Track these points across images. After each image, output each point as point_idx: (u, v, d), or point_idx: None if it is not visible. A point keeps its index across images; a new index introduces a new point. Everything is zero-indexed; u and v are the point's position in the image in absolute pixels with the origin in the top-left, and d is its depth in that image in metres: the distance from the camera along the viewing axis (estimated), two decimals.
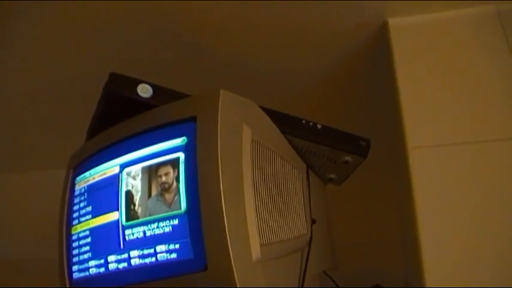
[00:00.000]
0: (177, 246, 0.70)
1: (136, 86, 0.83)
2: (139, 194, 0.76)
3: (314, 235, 0.85)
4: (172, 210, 0.71)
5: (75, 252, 0.84)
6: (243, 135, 0.75)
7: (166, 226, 0.71)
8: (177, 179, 0.72)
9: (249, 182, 0.73)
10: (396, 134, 0.95)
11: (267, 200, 0.76)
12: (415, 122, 0.88)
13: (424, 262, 0.75)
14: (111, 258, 0.77)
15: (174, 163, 0.73)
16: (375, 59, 1.03)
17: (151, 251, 0.72)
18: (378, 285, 1.14)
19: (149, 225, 0.73)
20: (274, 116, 0.85)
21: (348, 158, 0.91)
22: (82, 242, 0.82)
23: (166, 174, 0.74)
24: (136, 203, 0.75)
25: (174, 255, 0.70)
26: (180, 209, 0.71)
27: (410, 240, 0.88)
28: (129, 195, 0.77)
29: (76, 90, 1.25)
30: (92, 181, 0.84)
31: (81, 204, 0.84)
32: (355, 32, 1.02)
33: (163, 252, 0.71)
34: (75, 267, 0.83)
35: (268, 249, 0.72)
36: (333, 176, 0.98)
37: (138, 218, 0.75)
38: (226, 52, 1.06)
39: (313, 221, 0.86)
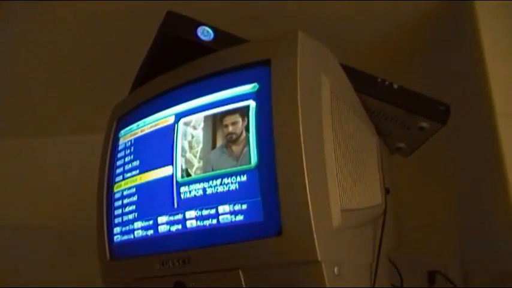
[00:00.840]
0: (245, 206, 0.60)
1: (197, 27, 0.73)
2: (200, 145, 0.66)
3: (388, 206, 0.75)
4: (240, 165, 0.61)
5: (117, 212, 0.74)
6: (322, 85, 0.65)
7: (231, 183, 0.61)
8: (247, 128, 0.62)
9: (328, 138, 0.63)
10: (473, 103, 0.84)
11: (346, 161, 0.66)
12: (504, 90, 0.77)
13: None
14: (161, 219, 0.67)
15: (244, 111, 0.63)
16: (452, 22, 0.93)
17: (212, 211, 0.62)
18: (434, 272, 1.04)
19: (210, 182, 0.63)
20: (348, 71, 0.74)
21: (424, 124, 0.81)
22: (126, 200, 0.73)
23: (233, 123, 0.64)
24: (197, 156, 0.65)
25: (240, 217, 0.60)
26: (250, 163, 0.61)
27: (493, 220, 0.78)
28: (186, 148, 0.67)
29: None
30: (140, 134, 0.74)
31: (127, 159, 0.75)
32: None
33: (227, 213, 0.61)
34: (117, 229, 0.74)
35: (348, 216, 0.62)
36: (402, 144, 0.87)
37: (196, 173, 0.65)
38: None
39: (387, 191, 0.76)
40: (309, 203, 0.56)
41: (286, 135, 0.59)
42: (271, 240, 0.57)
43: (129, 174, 0.73)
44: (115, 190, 0.75)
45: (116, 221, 0.74)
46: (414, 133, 0.83)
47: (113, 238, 0.74)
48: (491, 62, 0.80)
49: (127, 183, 0.73)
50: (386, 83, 0.78)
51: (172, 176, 0.67)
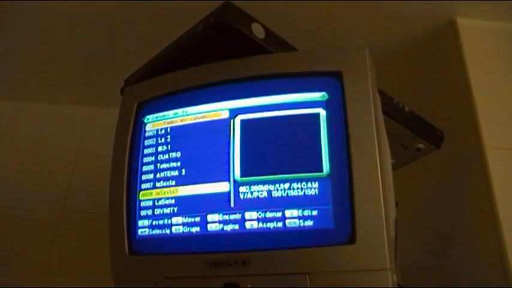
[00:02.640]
0: (315, 213, 0.61)
1: (251, 23, 0.71)
2: (263, 146, 0.65)
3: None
4: (311, 172, 0.62)
5: (145, 203, 0.69)
6: (378, 102, 0.69)
7: (301, 189, 0.62)
8: (317, 136, 0.63)
9: (385, 151, 0.68)
10: (458, 131, 0.95)
11: (387, 175, 0.71)
12: (491, 122, 0.89)
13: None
14: (212, 217, 0.64)
15: (314, 119, 0.64)
16: (438, 52, 1.04)
17: (278, 215, 0.62)
18: None
19: (277, 185, 0.63)
20: None
21: (421, 146, 0.89)
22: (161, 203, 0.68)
23: (300, 129, 0.64)
24: (259, 157, 0.64)
25: (309, 223, 0.61)
26: (322, 171, 0.62)
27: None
28: (245, 146, 0.65)
29: None
30: (180, 123, 0.70)
31: (161, 148, 0.70)
32: (423, 23, 1.02)
33: (295, 218, 0.62)
34: (143, 222, 0.68)
35: (394, 226, 0.68)
36: (392, 161, 0.95)
37: (259, 174, 0.64)
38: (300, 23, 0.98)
39: (396, 203, 0.82)
40: (383, 214, 0.60)
41: (363, 148, 0.62)
42: (344, 248, 0.59)
43: (165, 183, 0.68)
44: (142, 198, 0.69)
45: (143, 213, 0.69)
46: (409, 152, 0.91)
47: (136, 231, 0.69)
48: (478, 95, 0.92)
49: (160, 193, 0.68)
50: (400, 105, 0.85)
51: (228, 193, 0.64)
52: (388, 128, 0.86)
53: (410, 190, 0.99)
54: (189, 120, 0.70)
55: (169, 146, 0.69)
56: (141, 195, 0.69)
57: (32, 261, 1.18)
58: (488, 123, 0.89)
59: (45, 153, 1.28)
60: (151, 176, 0.69)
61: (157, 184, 0.68)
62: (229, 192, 0.64)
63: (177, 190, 0.67)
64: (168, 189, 0.67)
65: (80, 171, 1.29)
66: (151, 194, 0.69)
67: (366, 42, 1.05)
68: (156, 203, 0.68)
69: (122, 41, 1.12)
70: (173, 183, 0.67)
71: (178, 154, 0.68)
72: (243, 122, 0.66)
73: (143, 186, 0.69)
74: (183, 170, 0.67)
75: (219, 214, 0.64)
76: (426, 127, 0.89)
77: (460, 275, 0.88)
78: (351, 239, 0.59)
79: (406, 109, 0.86)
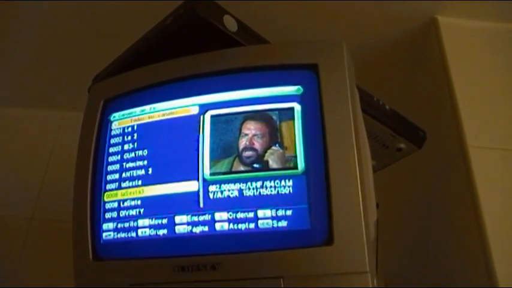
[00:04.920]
0: (289, 212, 0.57)
1: (223, 15, 0.68)
2: (233, 143, 0.61)
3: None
4: (285, 169, 0.59)
5: (110, 205, 0.65)
6: (356, 97, 0.66)
7: (275, 187, 0.58)
8: (292, 132, 0.60)
9: (364, 148, 0.64)
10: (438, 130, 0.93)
11: (368, 172, 0.67)
12: (473, 121, 0.87)
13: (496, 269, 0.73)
14: (180, 218, 0.60)
15: (288, 114, 0.61)
16: (419, 50, 1.02)
17: (250, 215, 0.58)
18: None
19: (249, 183, 0.59)
20: None
21: (403, 146, 0.86)
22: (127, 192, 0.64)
23: (269, 128, 0.61)
24: (229, 154, 0.61)
25: (283, 223, 0.57)
26: (297, 168, 0.58)
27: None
28: (216, 143, 0.61)
29: None
30: (147, 120, 0.66)
31: (127, 146, 0.66)
32: (404, 21, 1.00)
33: (268, 218, 0.58)
34: (108, 225, 0.64)
35: (374, 228, 0.64)
36: (373, 162, 0.92)
37: (230, 172, 0.60)
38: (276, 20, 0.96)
39: (377, 205, 0.79)
40: (361, 214, 0.56)
41: (340, 143, 0.58)
42: (321, 250, 0.56)
43: (131, 183, 0.64)
44: (106, 199, 0.65)
45: (108, 215, 0.64)
46: (390, 153, 0.88)
47: (101, 235, 0.64)
48: (460, 94, 0.90)
49: (126, 194, 0.64)
50: (380, 103, 0.82)
51: (197, 192, 0.60)
52: (369, 127, 0.82)
53: (392, 192, 0.96)
54: (156, 117, 0.66)
55: (135, 144, 0.65)
56: (106, 197, 0.65)
57: None
58: (471, 122, 0.87)
59: (15, 159, 1.23)
60: (116, 175, 0.65)
61: (123, 184, 0.64)
62: (198, 192, 0.60)
63: (143, 190, 0.63)
64: (134, 189, 0.63)
65: (51, 178, 1.24)
66: (116, 194, 0.64)
67: (346, 41, 1.04)
68: (121, 205, 0.64)
69: (97, 44, 1.08)
70: (139, 183, 0.63)
71: (145, 152, 0.64)
72: (213, 117, 0.63)
73: (108, 186, 0.65)
74: (150, 169, 0.63)
75: (187, 215, 0.60)
76: (408, 126, 0.86)
77: (444, 275, 0.85)
78: (328, 240, 0.55)
79: (387, 107, 0.83)
